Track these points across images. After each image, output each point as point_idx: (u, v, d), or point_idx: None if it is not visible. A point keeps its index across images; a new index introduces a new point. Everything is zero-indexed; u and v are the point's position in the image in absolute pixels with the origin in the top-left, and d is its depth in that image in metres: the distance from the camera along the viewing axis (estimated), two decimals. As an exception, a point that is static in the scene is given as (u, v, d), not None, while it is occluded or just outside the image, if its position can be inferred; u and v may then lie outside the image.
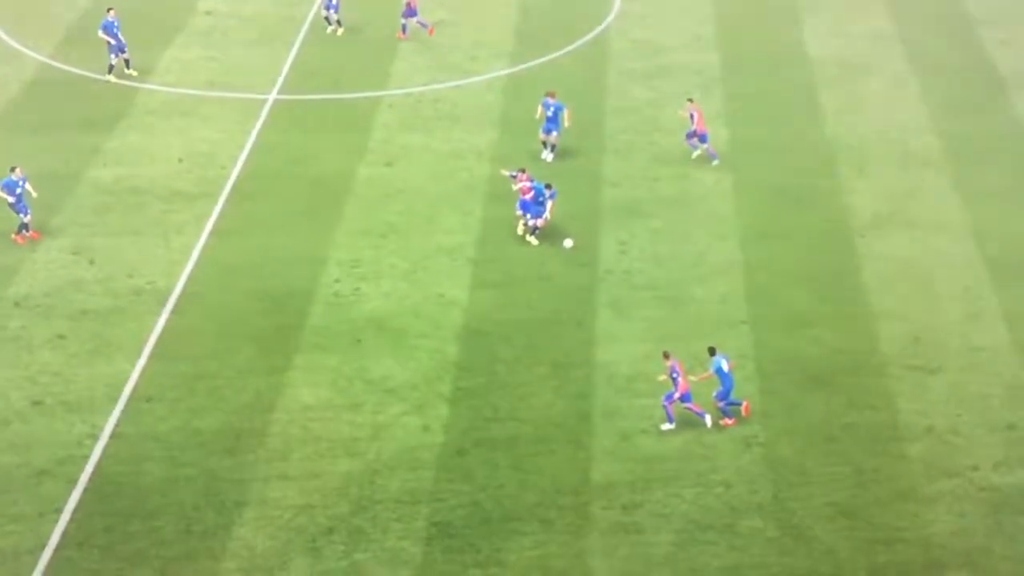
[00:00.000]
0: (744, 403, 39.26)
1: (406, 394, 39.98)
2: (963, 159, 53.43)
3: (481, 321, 43.69)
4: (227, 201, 49.93)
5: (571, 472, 37.26)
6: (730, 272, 46.34)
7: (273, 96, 57.39)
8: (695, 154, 53.33)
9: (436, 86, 58.64)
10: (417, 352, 41.97)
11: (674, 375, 38.64)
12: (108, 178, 51.29)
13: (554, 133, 53.08)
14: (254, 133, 54.54)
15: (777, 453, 38.02)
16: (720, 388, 39.01)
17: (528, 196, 47.64)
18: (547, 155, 53.25)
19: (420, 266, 46.11)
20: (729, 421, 38.98)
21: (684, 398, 38.79)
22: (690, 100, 54.14)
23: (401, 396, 39.93)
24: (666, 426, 38.80)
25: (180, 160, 52.29)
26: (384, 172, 52.06)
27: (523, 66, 60.31)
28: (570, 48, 62.45)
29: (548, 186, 47.86)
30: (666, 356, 39.17)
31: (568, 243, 46.72)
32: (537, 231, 47.28)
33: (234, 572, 33.80)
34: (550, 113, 52.95)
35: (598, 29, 64.27)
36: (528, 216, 47.56)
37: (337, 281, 45.22)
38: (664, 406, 38.79)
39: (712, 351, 39.35)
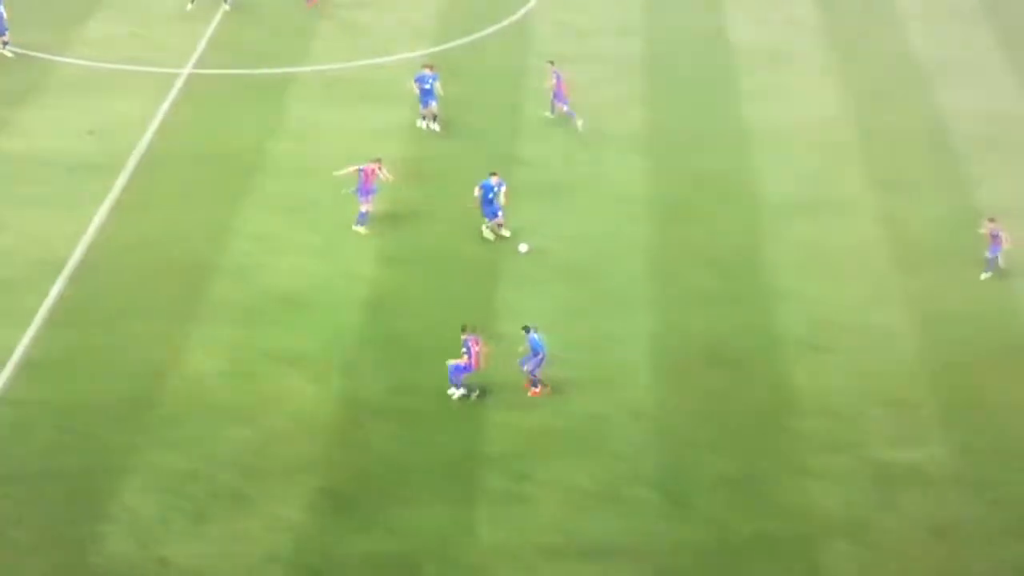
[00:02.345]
0: (546, 387, 38.93)
1: (304, 365, 39.90)
2: (879, 147, 53.62)
3: (386, 296, 43.62)
4: (134, 174, 49.65)
5: (464, 443, 37.27)
6: (638, 252, 46.37)
7: (188, 71, 57.09)
8: (552, 116, 54.02)
9: (354, 64, 58.52)
10: (319, 325, 41.87)
11: (467, 350, 38.50)
12: (15, 149, 50.87)
13: (432, 104, 53.18)
14: (166, 107, 54.26)
15: (669, 426, 38.10)
16: (531, 357, 38.72)
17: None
18: (434, 126, 53.20)
19: (327, 241, 46.01)
20: (536, 390, 38.75)
21: (466, 368, 38.53)
22: (550, 63, 54.46)
23: (299, 367, 39.82)
24: (454, 392, 38.64)
25: (90, 132, 51.95)
26: (296, 148, 51.86)
27: (443, 47, 60.39)
28: (492, 30, 62.43)
29: (493, 174, 46.41)
30: (463, 330, 38.99)
31: (523, 247, 45.39)
32: (502, 227, 46.43)
33: (115, 536, 33.57)
34: (427, 86, 52.91)
35: (522, 11, 64.18)
36: (488, 220, 46.19)
37: (243, 254, 45.12)
38: (452, 378, 38.57)
39: (527, 329, 39.01)
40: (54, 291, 42.83)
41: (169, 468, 35.78)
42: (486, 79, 55.03)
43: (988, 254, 44.04)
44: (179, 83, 56.19)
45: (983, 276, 43.89)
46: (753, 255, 46.53)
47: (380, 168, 46.72)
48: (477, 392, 38.66)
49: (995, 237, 43.87)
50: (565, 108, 54.01)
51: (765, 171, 51.75)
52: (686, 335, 42.18)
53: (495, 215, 45.97)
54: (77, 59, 57.66)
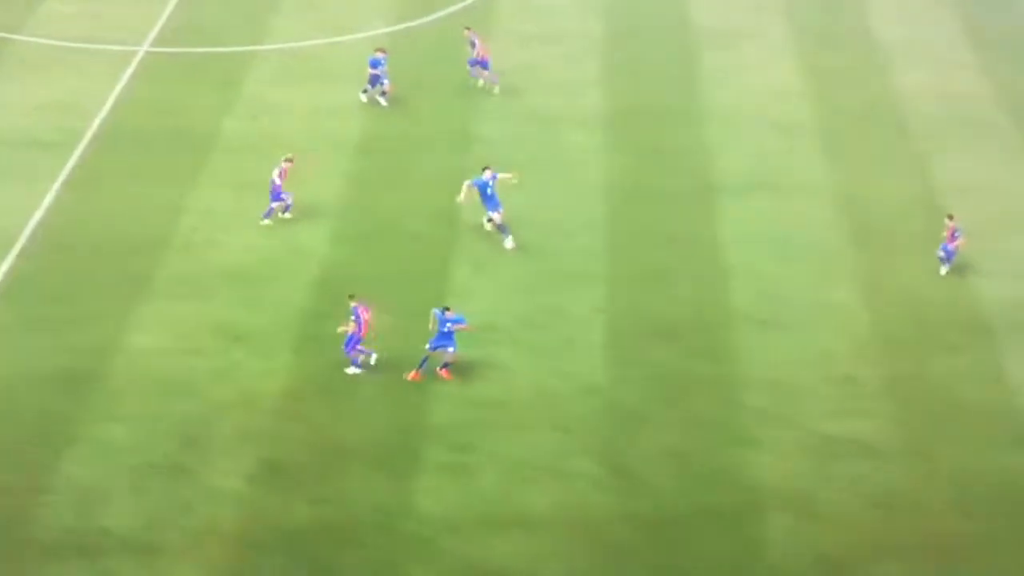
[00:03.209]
0: (444, 370, 38.65)
1: (252, 340, 39.85)
2: (836, 126, 53.77)
3: (337, 273, 43.58)
4: (87, 150, 49.66)
5: (408, 416, 37.28)
6: (593, 229, 46.44)
7: (145, 49, 57.06)
8: (480, 83, 54.32)
9: (314, 42, 58.48)
10: (268, 301, 41.83)
11: (356, 318, 38.51)
12: (-33, 126, 51.30)
13: (384, 83, 53.18)
14: (121, 85, 54.26)
15: (617, 400, 38.18)
16: (436, 339, 38.48)
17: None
18: (381, 100, 53.32)
19: (280, 218, 45.84)
20: (445, 373, 38.51)
21: (356, 339, 38.44)
22: (467, 28, 54.79)
23: (246, 342, 39.81)
24: (351, 370, 38.59)
25: (42, 109, 51.83)
26: (252, 126, 51.86)
27: (405, 25, 60.31)
28: (456, 8, 62.41)
29: (486, 168, 45.31)
30: (351, 297, 38.97)
31: (509, 243, 44.55)
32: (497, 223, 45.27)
33: (57, 506, 33.46)
34: (378, 71, 52.96)
35: (486, -9, 64.56)
36: (491, 214, 45.24)
37: (193, 230, 45.09)
38: (348, 352, 38.54)
39: (444, 310, 38.76)
40: (4, 266, 42.73)
41: (111, 440, 35.71)
42: (446, 58, 55.05)
43: (941, 252, 43.59)
44: (135, 61, 56.18)
45: (942, 271, 43.60)
46: (706, 232, 46.59)
47: (291, 164, 45.89)
48: (374, 357, 38.47)
49: (953, 235, 43.66)
50: (487, 72, 54.42)
51: (721, 149, 51.85)
52: (637, 311, 42.21)
53: (497, 208, 44.88)
54: (34, 37, 57.51)
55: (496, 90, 54.01)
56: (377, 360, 38.51)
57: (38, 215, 45.31)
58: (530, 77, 56.23)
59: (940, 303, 42.50)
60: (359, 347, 38.62)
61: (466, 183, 44.97)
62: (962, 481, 35.26)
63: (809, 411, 37.73)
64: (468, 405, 37.85)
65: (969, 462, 35.95)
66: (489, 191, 44.67)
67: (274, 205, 45.41)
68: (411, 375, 38.35)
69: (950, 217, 43.96)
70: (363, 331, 38.40)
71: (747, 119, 53.98)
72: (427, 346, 38.40)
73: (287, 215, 45.37)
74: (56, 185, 47.08)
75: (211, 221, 45.63)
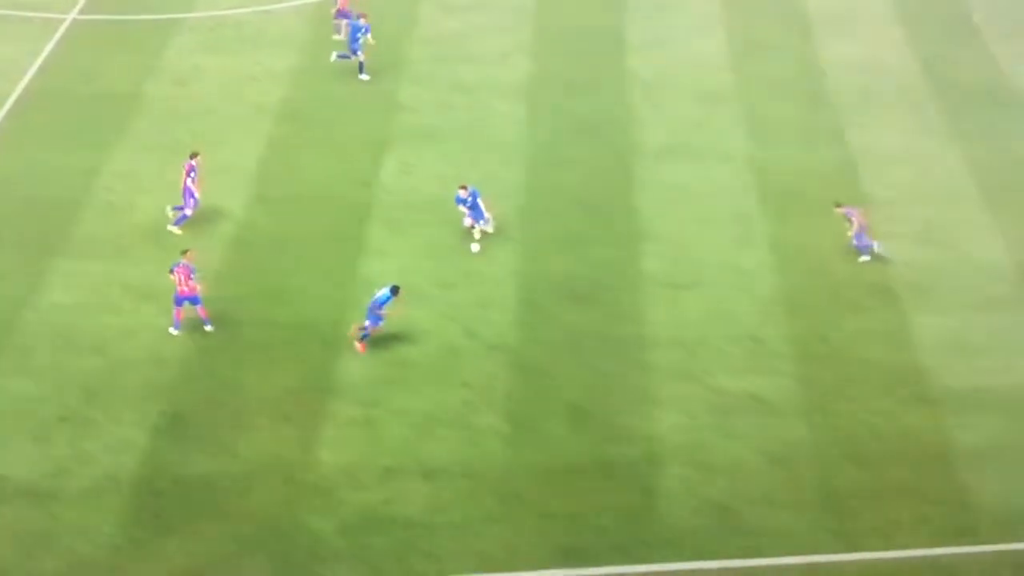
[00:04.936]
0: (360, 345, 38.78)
1: (163, 299, 39.94)
2: (757, 96, 54.17)
3: (253, 234, 43.88)
4: (10, 113, 49.73)
5: (316, 372, 37.67)
6: (511, 194, 46.73)
7: (72, 16, 57.09)
8: (337, 37, 55.19)
9: (242, 10, 58.58)
10: (175, 263, 41.89)
11: (186, 274, 38.59)
12: None
13: (359, 54, 53.43)
14: (48, 51, 54.32)
15: (524, 359, 38.59)
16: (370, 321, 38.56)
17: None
18: (362, 76, 53.57)
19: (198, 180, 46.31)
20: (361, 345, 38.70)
21: (180, 300, 38.56)
22: None
23: (157, 301, 40.00)
24: (175, 331, 38.77)
25: None
26: (175, 91, 52.03)
27: (333, -6, 60.91)
28: (384, -23, 62.95)
29: (462, 187, 43.78)
30: (184, 253, 39.14)
31: (475, 247, 43.47)
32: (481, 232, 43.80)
33: (-44, 455, 34.10)
34: (358, 36, 53.04)
35: (417, -39, 64.78)
36: (476, 224, 43.66)
37: (111, 191, 45.34)
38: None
39: (394, 290, 38.65)
40: (-79, 223, 43.30)
41: (16, 392, 36.07)
42: (374, 24, 55.40)
43: (854, 241, 43.33)
44: (63, 28, 56.21)
45: (861, 260, 43.41)
46: (623, 198, 47.04)
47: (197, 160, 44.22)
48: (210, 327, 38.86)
49: (850, 219, 43.44)
50: (345, 22, 55.03)
51: (642, 118, 52.25)
52: (550, 273, 42.63)
53: (482, 218, 43.69)
54: (-42, 4, 58.02)
55: (336, 36, 55.08)
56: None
57: (-48, 176, 45.90)
58: (456, 46, 56.51)
59: (847, 267, 42.95)
60: (180, 308, 38.49)
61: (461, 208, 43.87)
62: (860, 437, 35.88)
63: (713, 369, 38.29)
64: (377, 363, 38.19)
65: (868, 419, 36.57)
66: (471, 203, 43.41)
67: (187, 211, 43.43)
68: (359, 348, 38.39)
69: (838, 205, 43.84)
70: (183, 292, 38.32)
71: (670, 89, 54.35)
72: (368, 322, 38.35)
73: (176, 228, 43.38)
74: (-26, 149, 47.64)
75: (130, 183, 45.81)
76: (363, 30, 53.37)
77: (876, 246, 43.42)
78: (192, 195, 43.51)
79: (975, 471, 34.78)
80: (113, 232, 43.27)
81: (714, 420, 36.33)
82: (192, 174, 43.50)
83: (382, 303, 38.26)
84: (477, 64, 55.21)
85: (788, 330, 40.04)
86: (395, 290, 38.58)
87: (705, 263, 43.26)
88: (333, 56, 53.88)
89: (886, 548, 32.39)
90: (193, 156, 43.87)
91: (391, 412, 36.23)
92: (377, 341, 38.80)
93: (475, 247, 43.47)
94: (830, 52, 57.71)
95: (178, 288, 38.48)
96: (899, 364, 38.64)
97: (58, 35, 55.52)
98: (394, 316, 38.61)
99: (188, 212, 43.49)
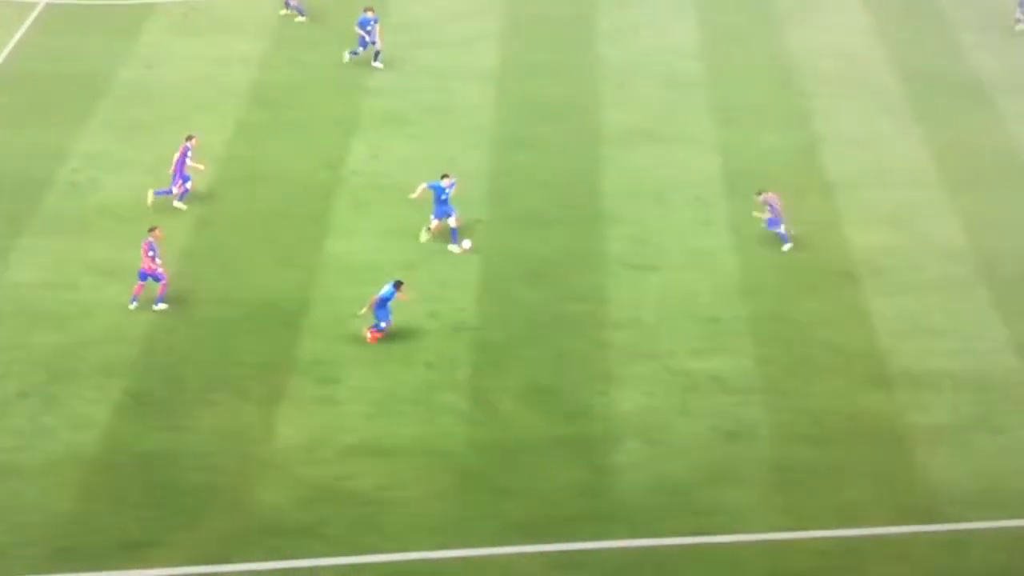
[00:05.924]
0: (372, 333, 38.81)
1: (125, 276, 40.16)
2: (725, 82, 54.63)
3: (215, 213, 44.25)
4: (-26, 96, 50.54)
5: (277, 349, 37.90)
6: (476, 176, 47.00)
7: (45, 1, 57.38)
8: (283, 12, 56.63)
9: (215, -5, 59.47)
10: (142, 239, 41.69)
11: (150, 252, 38.69)
12: None
13: (371, 44, 53.57)
14: (19, 35, 54.76)
15: (485, 338, 38.88)
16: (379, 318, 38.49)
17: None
18: (376, 63, 53.71)
19: (163, 161, 45.93)
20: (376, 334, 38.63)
21: (143, 275, 38.71)
22: None
23: (119, 278, 40.24)
24: (133, 304, 38.84)
25: None
26: (144, 74, 52.54)
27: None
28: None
29: (444, 176, 43.18)
30: (151, 230, 39.25)
31: (467, 244, 42.93)
32: (456, 233, 42.85)
33: (-86, 429, 34.28)
34: (369, 28, 53.32)
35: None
36: (435, 221, 42.97)
37: (75, 171, 45.68)
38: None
39: (397, 284, 38.47)
40: None
41: (-21, 370, 36.57)
42: (345, 10, 55.72)
43: (776, 229, 43.05)
44: (35, 13, 56.67)
45: (784, 248, 43.19)
46: (588, 181, 47.41)
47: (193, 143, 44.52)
48: (162, 306, 38.82)
49: (768, 206, 43.19)
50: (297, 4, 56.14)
51: (610, 103, 52.70)
52: (512, 254, 42.95)
53: (447, 215, 43.08)
54: (-67, -13, 58.14)
55: (299, 19, 55.75)
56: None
57: (-86, 155, 46.13)
58: (426, 31, 56.94)
59: (808, 249, 43.25)
60: (143, 283, 38.67)
61: (423, 184, 43.28)
62: (815, 416, 36.14)
63: (672, 349, 38.54)
64: (339, 341, 38.47)
65: (823, 399, 36.85)
66: (444, 196, 43.16)
67: (174, 189, 43.81)
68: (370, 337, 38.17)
69: (758, 193, 43.56)
70: (148, 268, 38.50)
71: (638, 75, 54.76)
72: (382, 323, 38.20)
73: (180, 204, 44.05)
74: (-62, 129, 47.84)
75: (96, 163, 46.23)
76: (372, 22, 53.52)
77: (786, 237, 42.87)
78: (183, 176, 43.83)
79: (930, 451, 34.99)
80: (76, 210, 43.71)
81: (671, 399, 36.56)
82: (186, 156, 43.86)
83: (387, 299, 38.22)
84: (446, 49, 55.54)
85: (747, 311, 40.35)
86: (398, 284, 38.37)
87: (666, 245, 43.60)
88: (346, 56, 53.68)
89: (839, 526, 32.54)
90: (189, 139, 44.27)
91: (351, 390, 36.48)
92: (338, 319, 39.06)
93: (467, 244, 42.74)
94: (798, 39, 58.13)
95: (146, 266, 38.81)
96: (856, 345, 38.97)
97: (32, 18, 56.01)
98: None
99: (175, 190, 43.74)
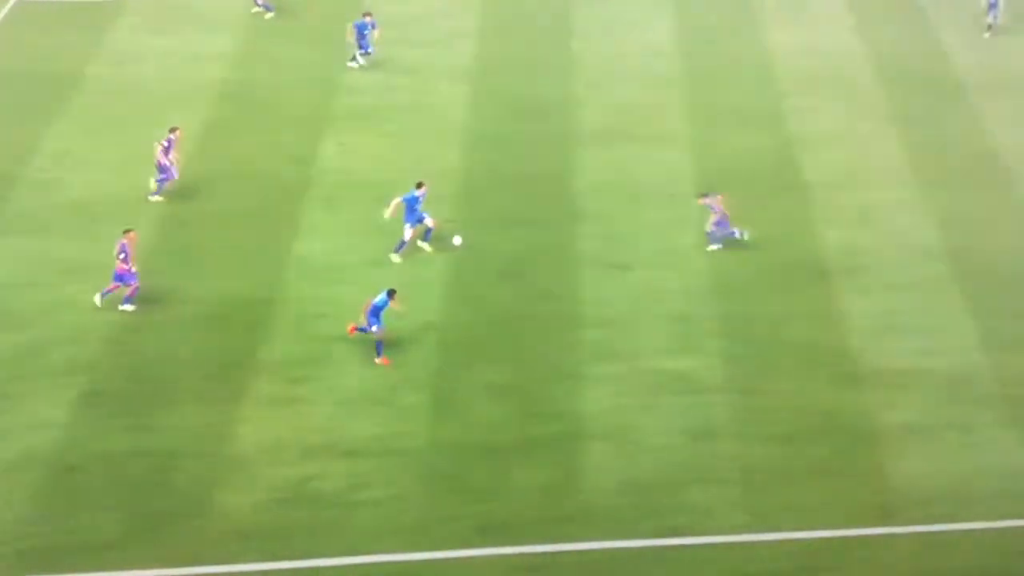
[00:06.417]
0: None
1: (88, 274, 39.91)
2: (703, 81, 54.26)
3: (182, 210, 43.81)
4: (-58, 94, 50.20)
5: (243, 349, 37.50)
6: (448, 175, 46.59)
7: (16, -4, 57.64)
8: (254, 9, 56.27)
9: (185, -10, 59.14)
10: (107, 237, 41.30)
11: (122, 254, 38.28)
12: None
13: (369, 50, 53.13)
14: (-10, 31, 54.71)
15: (453, 338, 38.49)
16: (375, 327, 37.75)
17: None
18: (361, 61, 53.36)
19: (132, 158, 45.88)
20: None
21: (117, 276, 38.36)
22: None
23: (82, 276, 39.93)
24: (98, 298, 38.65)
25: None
26: (115, 71, 52.16)
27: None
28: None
29: (419, 185, 42.26)
30: (125, 232, 38.76)
31: (457, 240, 42.37)
32: (430, 233, 42.23)
33: None
34: (366, 33, 52.90)
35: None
36: (409, 229, 42.04)
37: (43, 169, 45.28)
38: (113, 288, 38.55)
39: (391, 293, 37.69)
40: None
41: (-65, 370, 36.18)
42: (318, 9, 55.33)
43: (725, 231, 42.54)
44: (6, 9, 56.24)
45: (709, 248, 42.61)
46: (561, 180, 47.01)
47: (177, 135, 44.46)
48: (129, 307, 38.37)
49: (712, 209, 42.73)
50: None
51: (586, 101, 52.31)
52: (483, 252, 42.52)
53: (420, 220, 42.26)
54: (-96, -17, 57.71)
55: (268, 16, 55.49)
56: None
57: None
58: (402, 29, 56.25)
59: (779, 247, 42.99)
60: (117, 284, 38.33)
61: (396, 199, 42.18)
62: (783, 416, 35.82)
63: (641, 348, 38.24)
64: (305, 340, 38.11)
65: (792, 398, 36.53)
66: (418, 205, 42.48)
67: (162, 178, 43.83)
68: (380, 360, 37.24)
69: (701, 195, 43.11)
70: (120, 269, 38.15)
71: (615, 73, 54.41)
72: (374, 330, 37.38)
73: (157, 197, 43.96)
74: (-93, 126, 47.42)
75: (63, 161, 45.86)
76: (369, 27, 53.13)
77: (738, 234, 42.70)
78: (168, 168, 43.60)
79: (897, 451, 34.73)
80: (41, 208, 43.34)
81: (639, 399, 36.26)
82: (170, 148, 43.67)
83: (380, 308, 37.47)
84: (422, 47, 55.13)
85: (717, 310, 40.04)
86: (391, 293, 37.66)
87: (639, 244, 43.25)
88: (349, 64, 53.15)
89: (803, 527, 32.24)
90: (172, 131, 44.06)
91: (316, 390, 36.09)
92: (304, 319, 38.76)
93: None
94: (777, 38, 57.77)
95: (119, 269, 38.35)
96: (826, 344, 38.67)
97: (2, 15, 55.54)
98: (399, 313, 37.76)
99: (164, 177, 43.68)
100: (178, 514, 31.77)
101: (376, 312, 37.34)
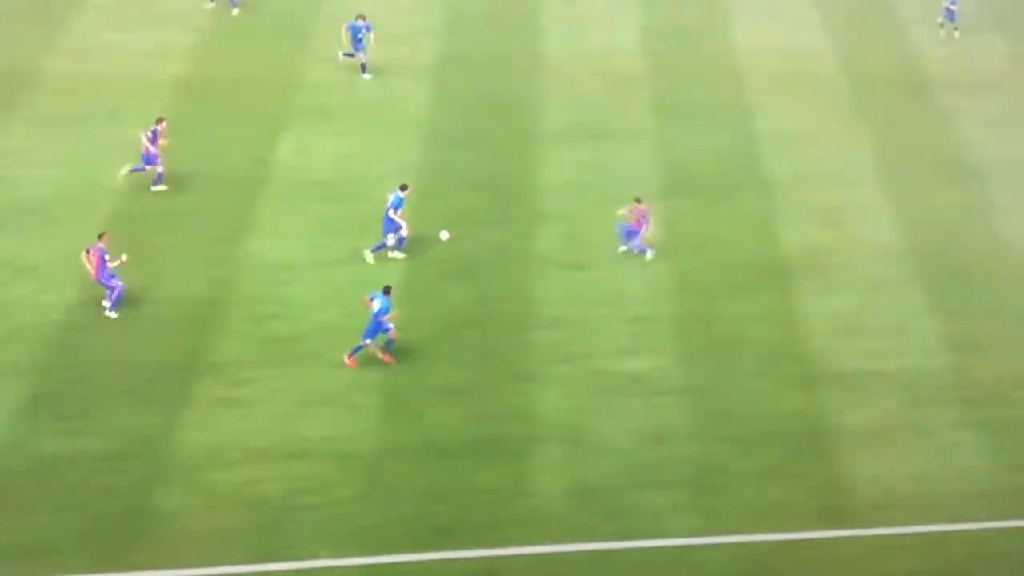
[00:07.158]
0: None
1: (37, 275, 39.28)
2: (670, 80, 53.72)
3: (134, 209, 43.09)
4: None
5: (186, 351, 36.74)
6: (403, 174, 45.53)
7: (-26, -8, 56.76)
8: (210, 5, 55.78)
9: (147, -13, 58.45)
10: (59, 236, 41.11)
11: (105, 257, 37.63)
12: None
13: (360, 54, 52.29)
14: (-57, 26, 53.85)
15: (406, 338, 37.57)
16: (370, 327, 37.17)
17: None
18: (365, 76, 52.33)
19: (85, 155, 45.32)
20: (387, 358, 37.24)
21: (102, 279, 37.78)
22: None
23: (31, 277, 39.27)
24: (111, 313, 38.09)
25: None
26: (73, 67, 51.44)
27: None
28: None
29: (404, 187, 41.66)
30: (99, 237, 38.01)
31: (444, 235, 41.44)
32: (403, 242, 41.42)
33: None
34: (360, 36, 52.09)
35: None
36: (391, 237, 41.36)
37: (-3, 167, 45.04)
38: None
39: (387, 291, 37.08)
40: None
41: None
42: (278, 11, 54.84)
43: (631, 241, 41.74)
44: (-37, 3, 55.87)
45: (620, 249, 41.91)
46: (523, 179, 46.39)
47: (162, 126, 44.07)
48: (111, 310, 37.73)
49: (641, 219, 41.61)
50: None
51: (550, 100, 51.72)
52: (439, 254, 41.68)
53: (396, 230, 41.30)
54: None
55: (234, 12, 55.18)
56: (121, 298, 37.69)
57: None
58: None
59: (740, 248, 42.46)
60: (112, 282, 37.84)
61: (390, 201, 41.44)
62: (739, 418, 35.24)
63: (596, 349, 37.62)
64: (254, 342, 37.39)
65: (750, 400, 35.95)
66: (399, 210, 41.42)
67: (147, 168, 43.43)
68: (348, 361, 36.45)
69: (638, 200, 42.08)
70: (96, 275, 37.47)
71: (581, 71, 53.83)
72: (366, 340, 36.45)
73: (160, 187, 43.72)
74: None
75: (18, 158, 45.17)
76: (363, 30, 52.27)
77: (638, 246, 41.45)
78: (153, 157, 43.13)
79: (858, 453, 34.14)
80: (-6, 206, 42.91)
81: (593, 400, 35.64)
82: (155, 137, 43.19)
83: (385, 311, 36.41)
84: (387, 44, 54.17)
85: (676, 310, 39.44)
86: (387, 290, 36.76)
87: (597, 244, 42.56)
88: (340, 56, 52.42)
89: (763, 530, 31.61)
90: (159, 122, 43.55)
91: (263, 392, 35.34)
92: (254, 320, 38.01)
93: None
94: (746, 36, 57.34)
95: (92, 271, 37.51)
96: (784, 345, 38.08)
97: (-44, 10, 55.19)
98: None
99: (154, 167, 43.19)
100: (117, 518, 30.95)
101: (382, 314, 36.07)
